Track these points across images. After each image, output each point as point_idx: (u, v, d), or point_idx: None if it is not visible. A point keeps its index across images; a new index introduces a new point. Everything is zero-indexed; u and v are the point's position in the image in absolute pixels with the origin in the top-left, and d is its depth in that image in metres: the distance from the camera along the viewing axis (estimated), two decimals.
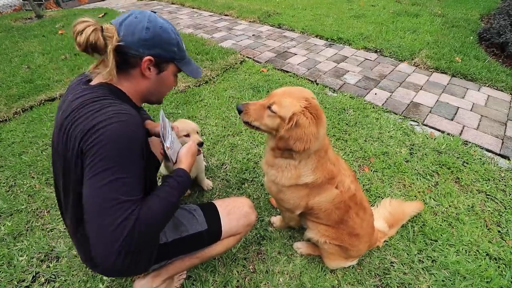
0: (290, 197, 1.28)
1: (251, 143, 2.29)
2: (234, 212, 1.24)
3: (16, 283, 1.44)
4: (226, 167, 2.10)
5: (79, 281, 1.44)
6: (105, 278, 1.45)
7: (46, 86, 3.15)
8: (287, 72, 3.33)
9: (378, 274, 1.47)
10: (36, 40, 4.41)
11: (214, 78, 3.21)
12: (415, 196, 1.85)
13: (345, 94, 2.88)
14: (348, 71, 3.35)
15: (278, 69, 3.38)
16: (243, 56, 3.69)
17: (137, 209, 0.81)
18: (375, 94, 2.90)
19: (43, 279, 1.46)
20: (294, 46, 3.98)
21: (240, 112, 1.19)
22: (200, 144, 1.50)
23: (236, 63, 3.47)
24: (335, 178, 1.24)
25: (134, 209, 0.80)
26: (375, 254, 1.55)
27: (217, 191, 1.90)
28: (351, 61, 3.57)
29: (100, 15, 5.38)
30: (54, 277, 1.46)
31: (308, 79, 3.18)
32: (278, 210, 1.78)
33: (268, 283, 1.42)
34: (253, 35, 4.40)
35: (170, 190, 0.96)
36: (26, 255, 1.56)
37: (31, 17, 5.58)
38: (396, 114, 2.62)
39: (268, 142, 1.26)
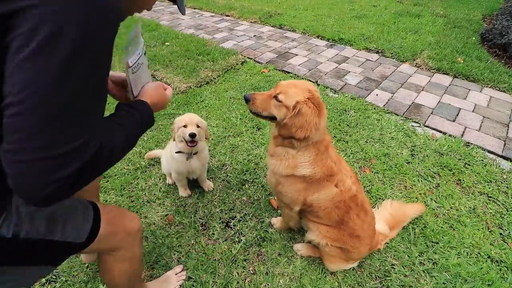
0: (288, 189, 1.30)
1: (251, 144, 2.29)
2: (116, 230, 0.93)
3: None
4: (227, 168, 2.10)
5: (79, 282, 1.44)
6: None
7: None
8: (288, 72, 3.32)
9: (378, 277, 1.46)
10: None
11: (215, 78, 3.21)
12: (416, 198, 1.85)
13: (346, 95, 2.88)
14: (349, 71, 3.34)
15: (279, 70, 3.38)
16: (244, 56, 3.69)
17: (100, 135, 0.63)
18: (376, 95, 2.90)
19: (43, 280, 1.46)
20: (295, 47, 3.98)
21: (247, 101, 1.26)
22: (191, 135, 1.50)
23: (237, 64, 3.47)
24: (335, 176, 1.25)
25: (96, 134, 0.61)
26: (376, 256, 1.54)
27: (217, 192, 1.90)
28: (352, 62, 3.57)
29: None
30: (55, 277, 1.47)
31: (309, 80, 3.17)
32: (278, 211, 1.77)
33: (268, 284, 1.42)
34: (254, 35, 4.40)
35: (135, 124, 0.77)
36: None
37: None
38: (398, 115, 2.61)
39: (271, 131, 1.32)
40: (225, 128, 2.46)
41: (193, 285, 1.41)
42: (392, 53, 3.71)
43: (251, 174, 2.03)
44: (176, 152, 1.64)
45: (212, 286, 1.41)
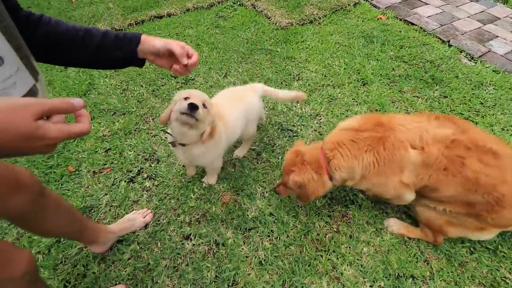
0: (377, 183, 1.20)
1: (352, 99, 2.03)
2: None
3: (125, 171, 1.67)
4: (321, 118, 1.92)
5: (174, 186, 1.58)
6: (195, 189, 1.56)
7: (156, 3, 3.25)
8: (412, 24, 2.71)
9: (482, 284, 1.24)
10: None
11: (320, 18, 2.84)
12: None
13: (487, 65, 2.24)
14: (497, 36, 2.55)
15: (400, 19, 2.78)
16: None
17: None
18: None
19: (145, 175, 1.65)
20: None
21: (279, 194, 1.39)
22: (193, 106, 1.08)
23: (349, 5, 2.97)
24: (390, 132, 1.11)
25: None
26: (485, 262, 1.29)
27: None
28: (503, 24, 2.70)
29: None
30: (154, 175, 1.64)
31: (439, 38, 2.55)
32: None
33: (350, 247, 1.33)
34: None
35: None
36: (134, 151, 1.77)
37: None
38: None
39: None
40: (325, 76, 2.21)
41: (275, 222, 1.41)
42: None
43: None
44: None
45: (292, 229, 1.39)
